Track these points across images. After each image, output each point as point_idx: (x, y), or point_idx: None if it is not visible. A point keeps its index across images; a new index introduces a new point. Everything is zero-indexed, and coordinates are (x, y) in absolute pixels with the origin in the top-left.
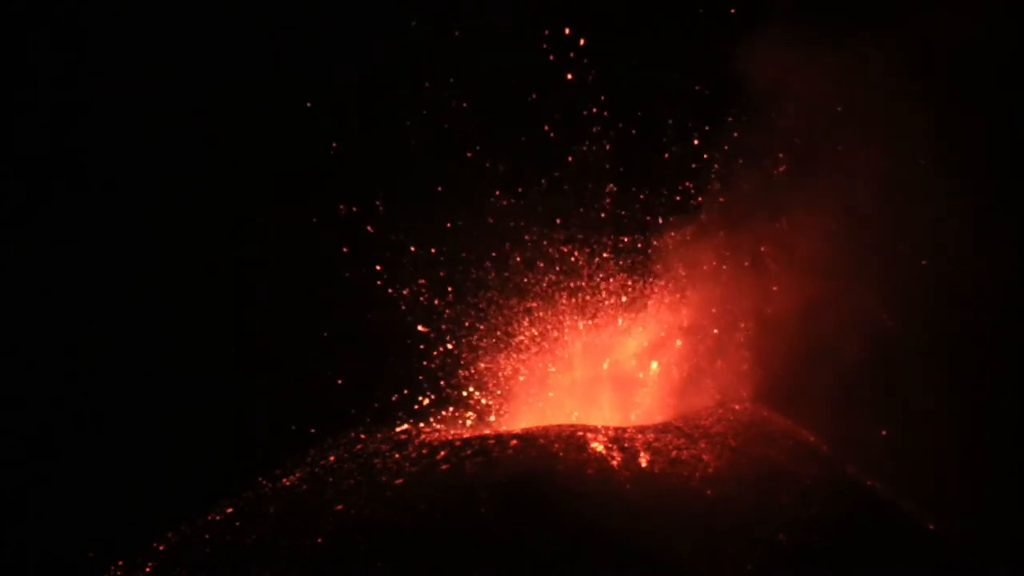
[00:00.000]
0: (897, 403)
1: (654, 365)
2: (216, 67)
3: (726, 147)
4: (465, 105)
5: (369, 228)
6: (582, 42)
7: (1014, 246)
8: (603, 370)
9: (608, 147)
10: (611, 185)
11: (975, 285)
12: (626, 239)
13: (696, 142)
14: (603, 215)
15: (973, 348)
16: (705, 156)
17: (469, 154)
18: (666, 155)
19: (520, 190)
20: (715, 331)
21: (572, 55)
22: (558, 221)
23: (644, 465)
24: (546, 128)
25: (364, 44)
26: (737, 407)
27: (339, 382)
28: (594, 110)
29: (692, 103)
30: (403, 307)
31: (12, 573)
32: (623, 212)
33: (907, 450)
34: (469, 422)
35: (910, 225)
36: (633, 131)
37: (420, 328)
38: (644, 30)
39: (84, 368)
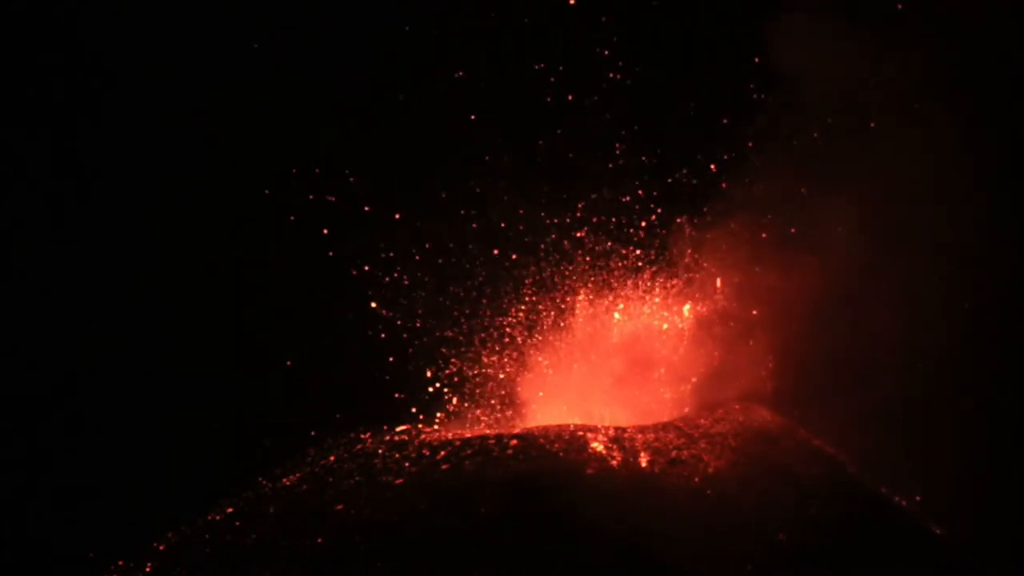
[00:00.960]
0: (898, 404)
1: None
2: (216, 67)
3: (747, 134)
4: (462, 74)
5: (371, 228)
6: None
7: (1015, 247)
8: (607, 370)
9: (621, 109)
10: (620, 146)
11: (975, 286)
12: (636, 227)
13: (723, 121)
14: (612, 193)
15: (973, 349)
16: (724, 149)
17: (462, 131)
18: (685, 133)
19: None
20: (722, 331)
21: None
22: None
23: (644, 465)
24: (549, 78)
25: (364, 44)
26: (737, 407)
27: (339, 382)
28: (606, 52)
29: (714, 84)
30: (404, 307)
31: (12, 573)
32: (638, 190)
33: (908, 450)
34: (466, 423)
35: (913, 228)
36: (649, 96)
37: (420, 328)
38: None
39: (84, 368)
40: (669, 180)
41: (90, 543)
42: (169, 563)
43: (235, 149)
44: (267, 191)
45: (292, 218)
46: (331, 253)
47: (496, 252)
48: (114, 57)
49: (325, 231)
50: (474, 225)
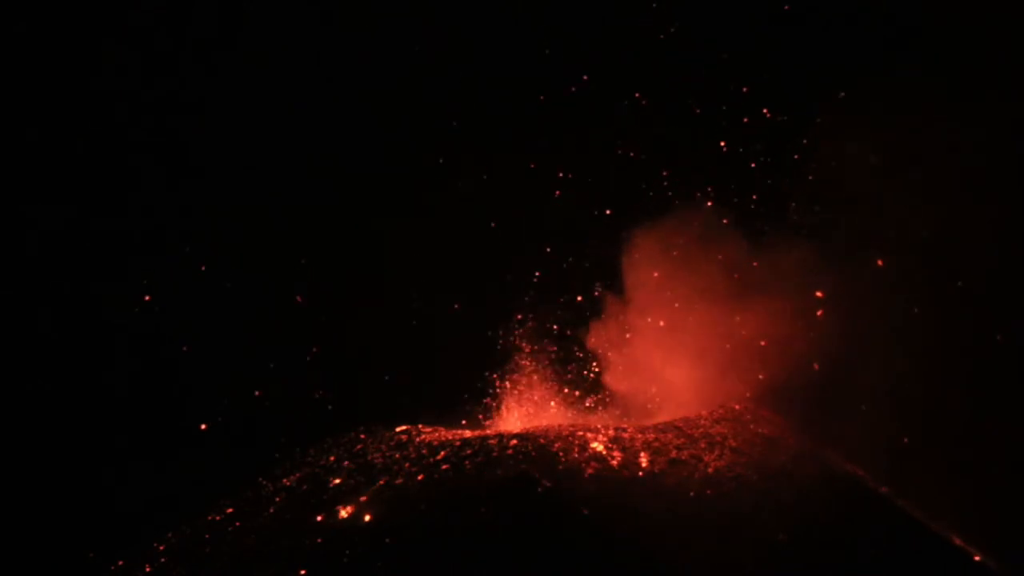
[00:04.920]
0: (898, 404)
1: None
2: (215, 66)
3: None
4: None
5: (375, 232)
6: None
7: (1014, 246)
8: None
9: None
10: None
11: (975, 286)
12: (617, 234)
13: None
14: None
15: (973, 349)
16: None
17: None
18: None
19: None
20: (717, 335)
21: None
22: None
23: (644, 465)
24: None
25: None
26: (737, 407)
27: (339, 383)
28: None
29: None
30: (404, 308)
31: (12, 573)
32: (616, 192)
33: (907, 450)
34: (466, 423)
35: (909, 229)
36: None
37: (421, 330)
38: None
39: (85, 368)
40: (649, 190)
41: (90, 543)
42: (169, 563)
43: (235, 149)
44: (272, 194)
45: (292, 219)
46: (331, 254)
47: (498, 254)
48: (114, 57)
49: (324, 231)
50: (480, 229)
